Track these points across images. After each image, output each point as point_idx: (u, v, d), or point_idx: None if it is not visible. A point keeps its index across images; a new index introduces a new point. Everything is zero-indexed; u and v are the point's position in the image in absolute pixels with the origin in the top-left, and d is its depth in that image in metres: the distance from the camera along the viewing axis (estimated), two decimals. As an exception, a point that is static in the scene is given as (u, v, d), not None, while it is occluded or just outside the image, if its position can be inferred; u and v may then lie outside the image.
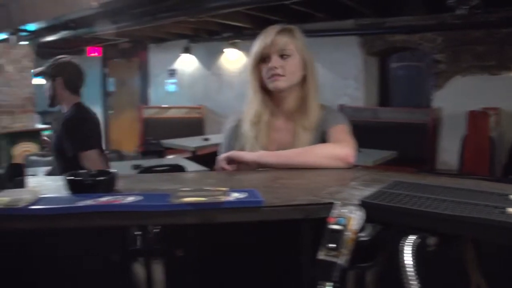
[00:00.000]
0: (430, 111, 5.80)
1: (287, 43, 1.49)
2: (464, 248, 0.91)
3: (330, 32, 6.12)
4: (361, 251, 0.80)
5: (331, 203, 0.89)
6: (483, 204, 0.85)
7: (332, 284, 0.74)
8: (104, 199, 0.95)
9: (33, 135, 5.85)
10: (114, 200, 0.95)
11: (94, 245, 1.06)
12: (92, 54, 9.74)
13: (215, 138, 6.24)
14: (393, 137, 5.59)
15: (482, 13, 4.47)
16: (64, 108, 2.68)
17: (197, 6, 4.85)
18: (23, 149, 5.60)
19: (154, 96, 9.25)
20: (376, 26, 5.89)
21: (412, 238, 0.79)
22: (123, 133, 9.56)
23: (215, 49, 7.90)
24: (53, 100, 2.70)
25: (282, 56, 1.49)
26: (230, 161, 1.45)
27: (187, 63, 8.53)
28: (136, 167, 4.08)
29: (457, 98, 5.55)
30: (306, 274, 1.07)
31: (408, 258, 0.76)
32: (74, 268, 1.08)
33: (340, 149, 1.42)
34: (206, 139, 6.15)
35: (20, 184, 1.12)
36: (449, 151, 5.57)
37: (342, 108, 6.09)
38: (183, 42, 8.12)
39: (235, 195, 0.95)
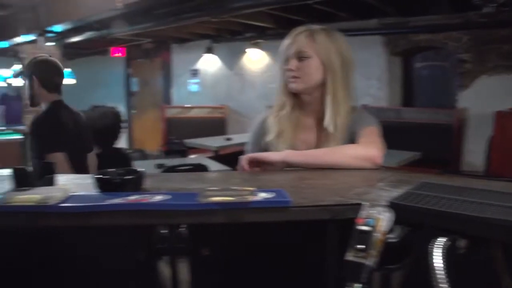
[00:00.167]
0: (455, 111, 5.71)
1: (304, 46, 1.51)
2: (494, 251, 0.89)
3: (353, 32, 6.07)
4: (389, 252, 0.80)
5: (359, 204, 0.88)
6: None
7: (360, 285, 0.74)
8: (133, 198, 0.96)
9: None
10: (143, 198, 0.96)
11: (119, 243, 1.07)
12: (116, 55, 9.87)
13: (237, 138, 6.26)
14: (417, 138, 5.52)
15: (509, 11, 4.38)
16: (43, 107, 2.62)
17: (220, 7, 4.86)
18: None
19: (177, 96, 9.32)
20: (400, 26, 5.82)
21: (441, 240, 0.78)
22: (146, 133, 9.66)
23: (237, 49, 7.92)
24: (32, 99, 2.64)
25: (300, 58, 1.51)
26: (254, 162, 1.45)
27: (209, 63, 8.57)
28: (159, 166, 4.12)
29: (483, 98, 5.44)
30: (331, 275, 1.07)
31: (438, 260, 0.75)
32: (99, 266, 1.09)
33: (368, 149, 1.41)
34: (228, 139, 6.17)
35: (50, 182, 1.14)
36: (474, 152, 5.47)
37: (364, 108, 6.03)
38: (206, 42, 8.16)
39: (262, 195, 0.95)
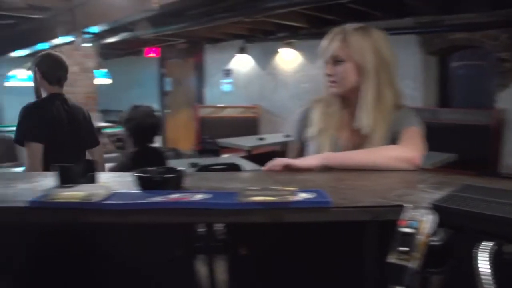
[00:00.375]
0: (494, 112, 5.54)
1: (337, 50, 1.50)
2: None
3: (388, 31, 5.96)
4: (431, 255, 0.79)
5: (400, 206, 0.87)
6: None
7: (403, 288, 0.73)
8: (174, 196, 0.97)
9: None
10: (183, 197, 0.97)
11: (158, 240, 1.09)
12: (150, 55, 10.01)
13: (270, 138, 6.26)
14: (453, 139, 5.39)
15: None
16: None
17: (253, 7, 4.87)
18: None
19: (210, 95, 9.38)
20: (436, 24, 5.69)
21: (487, 244, 0.76)
22: (180, 132, 9.76)
23: (270, 49, 7.91)
24: (37, 92, 2.74)
25: (335, 62, 1.51)
26: (288, 168, 1.38)
27: (242, 63, 8.60)
28: (193, 165, 4.15)
29: (523, 99, 5.29)
30: (370, 276, 1.06)
31: (484, 265, 0.74)
32: (138, 262, 1.11)
33: (408, 151, 1.40)
34: (261, 139, 6.18)
35: (92, 180, 1.17)
36: (514, 154, 5.32)
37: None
38: (239, 42, 8.19)
39: (303, 195, 0.95)
